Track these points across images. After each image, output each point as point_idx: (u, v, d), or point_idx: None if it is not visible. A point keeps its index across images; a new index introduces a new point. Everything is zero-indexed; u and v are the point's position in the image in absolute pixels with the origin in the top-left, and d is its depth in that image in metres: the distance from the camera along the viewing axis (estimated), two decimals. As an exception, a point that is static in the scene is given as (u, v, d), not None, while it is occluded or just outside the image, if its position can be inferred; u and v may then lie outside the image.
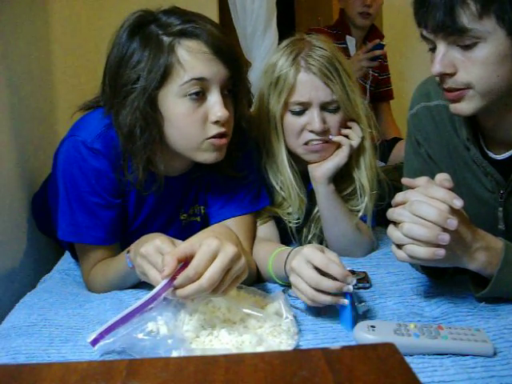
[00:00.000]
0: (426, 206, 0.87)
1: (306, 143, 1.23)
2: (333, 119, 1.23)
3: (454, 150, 1.10)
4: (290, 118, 1.23)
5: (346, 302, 0.92)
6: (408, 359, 0.78)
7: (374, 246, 1.32)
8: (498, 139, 1.03)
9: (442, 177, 0.91)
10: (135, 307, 0.82)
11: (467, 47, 0.89)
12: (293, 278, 0.95)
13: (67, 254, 1.36)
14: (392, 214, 0.91)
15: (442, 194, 0.88)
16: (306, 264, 0.93)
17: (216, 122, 1.03)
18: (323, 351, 0.56)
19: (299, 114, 1.22)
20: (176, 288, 0.81)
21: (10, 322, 1.01)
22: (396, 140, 2.31)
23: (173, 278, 0.81)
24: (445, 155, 1.13)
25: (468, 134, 1.04)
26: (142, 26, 1.04)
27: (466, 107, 0.95)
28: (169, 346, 0.80)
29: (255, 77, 2.12)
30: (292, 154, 1.27)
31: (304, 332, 0.91)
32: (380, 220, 1.40)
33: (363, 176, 1.28)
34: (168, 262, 0.81)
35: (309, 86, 1.20)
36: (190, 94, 1.02)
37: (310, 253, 0.94)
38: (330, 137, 1.23)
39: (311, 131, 1.21)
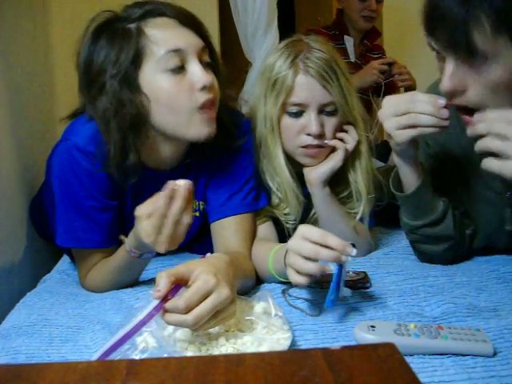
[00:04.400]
0: None
1: (303, 146, 1.23)
2: (330, 122, 1.22)
3: (462, 152, 1.10)
4: (287, 120, 1.23)
5: (332, 267, 0.92)
6: (408, 359, 0.77)
7: (372, 248, 1.32)
8: None
9: None
10: (131, 328, 0.80)
11: (478, 66, 0.87)
12: (290, 259, 0.95)
13: (67, 255, 1.36)
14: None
15: None
16: (303, 240, 0.93)
17: (203, 88, 1.04)
18: (323, 351, 0.56)
19: (296, 116, 1.21)
20: (165, 311, 0.81)
21: (10, 321, 1.01)
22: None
23: (165, 298, 0.81)
24: (453, 157, 1.13)
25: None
26: (107, 25, 1.05)
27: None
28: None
29: (255, 77, 2.12)
30: (289, 156, 1.27)
31: (304, 332, 0.91)
32: (379, 220, 1.40)
33: (359, 180, 1.27)
34: (162, 283, 0.80)
35: (306, 88, 1.20)
36: (170, 70, 1.03)
37: (305, 229, 0.94)
38: (326, 141, 1.22)
39: (308, 134, 1.21)
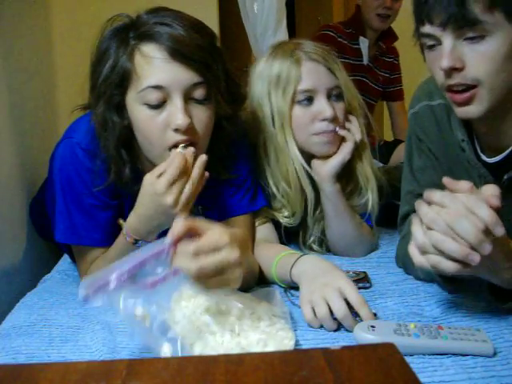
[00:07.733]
0: (465, 223, 0.79)
1: (318, 133, 1.21)
2: (339, 107, 1.22)
3: (452, 150, 1.10)
4: (298, 111, 1.21)
5: None
6: (408, 359, 0.77)
7: (375, 245, 1.31)
8: (491, 144, 1.03)
9: (491, 191, 0.82)
10: (141, 259, 0.78)
11: (475, 41, 0.88)
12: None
13: (67, 255, 1.36)
14: (425, 215, 0.83)
15: (486, 215, 0.79)
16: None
17: (176, 130, 1.00)
18: (323, 351, 0.56)
19: (307, 104, 1.21)
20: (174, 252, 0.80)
21: (10, 321, 1.01)
22: (397, 142, 2.30)
23: (177, 242, 0.79)
24: (444, 154, 1.13)
25: (463, 135, 1.04)
26: (124, 29, 1.03)
27: (475, 109, 0.93)
28: (160, 341, 0.79)
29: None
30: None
31: (304, 332, 0.91)
32: (378, 219, 1.39)
33: (368, 170, 1.27)
34: (178, 227, 0.79)
35: (313, 72, 1.20)
36: (148, 104, 0.99)
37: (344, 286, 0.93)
38: (337, 129, 1.21)
39: (323, 120, 1.19)
